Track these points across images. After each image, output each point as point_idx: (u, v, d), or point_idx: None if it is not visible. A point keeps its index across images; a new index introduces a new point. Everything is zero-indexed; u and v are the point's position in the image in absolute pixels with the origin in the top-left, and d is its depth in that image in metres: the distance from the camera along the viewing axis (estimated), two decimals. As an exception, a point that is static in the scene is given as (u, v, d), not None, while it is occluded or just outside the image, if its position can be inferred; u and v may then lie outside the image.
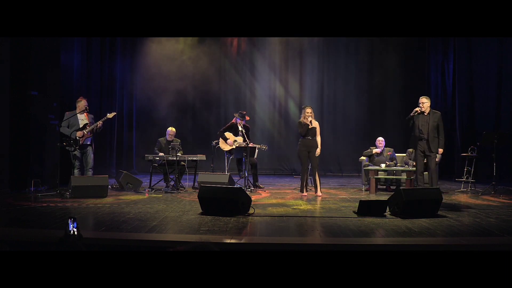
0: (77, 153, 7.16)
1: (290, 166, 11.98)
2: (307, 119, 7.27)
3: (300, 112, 7.78)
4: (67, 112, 7.34)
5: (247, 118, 8.38)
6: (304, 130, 7.29)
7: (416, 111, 6.69)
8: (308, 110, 7.37)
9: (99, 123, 7.25)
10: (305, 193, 7.31)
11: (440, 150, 6.73)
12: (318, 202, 6.60)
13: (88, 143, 7.28)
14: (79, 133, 7.12)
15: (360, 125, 11.83)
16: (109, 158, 10.53)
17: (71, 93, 8.81)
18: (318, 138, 7.38)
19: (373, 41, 11.54)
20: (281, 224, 4.81)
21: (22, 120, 7.53)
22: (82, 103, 7.29)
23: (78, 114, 7.24)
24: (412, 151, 8.36)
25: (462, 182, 8.28)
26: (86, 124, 7.22)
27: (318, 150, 7.31)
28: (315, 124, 7.36)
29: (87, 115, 7.33)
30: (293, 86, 12.08)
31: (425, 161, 6.83)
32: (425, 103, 6.69)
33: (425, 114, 6.66)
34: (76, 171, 7.18)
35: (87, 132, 7.19)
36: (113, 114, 7.47)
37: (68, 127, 7.17)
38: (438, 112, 6.81)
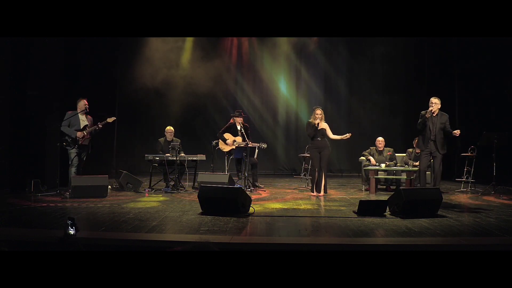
0: (74, 152, 7.13)
1: (290, 166, 11.98)
2: (315, 120, 7.22)
3: (308, 113, 7.73)
4: (68, 112, 7.32)
5: (243, 115, 8.41)
6: (311, 132, 7.24)
7: (430, 111, 6.61)
8: (318, 111, 7.26)
9: (99, 125, 7.20)
10: (314, 193, 7.24)
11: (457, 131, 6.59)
12: (319, 202, 6.60)
13: (87, 144, 7.26)
14: (79, 134, 7.11)
15: (360, 125, 11.82)
16: (109, 158, 10.52)
17: (71, 93, 8.79)
18: (332, 136, 7.31)
19: (373, 41, 11.53)
20: (281, 224, 4.81)
21: (22, 120, 7.52)
22: (81, 103, 7.27)
23: (79, 114, 7.24)
24: (412, 151, 8.37)
25: (462, 182, 8.28)
26: (86, 125, 7.21)
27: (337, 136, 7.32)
28: (324, 125, 7.30)
29: (86, 116, 7.32)
30: (293, 86, 12.09)
31: (431, 161, 6.82)
32: (436, 103, 6.65)
33: (434, 115, 6.65)
34: (73, 169, 7.15)
35: (87, 134, 7.18)
36: (113, 118, 7.45)
37: (68, 126, 7.16)
38: (445, 114, 6.73)
